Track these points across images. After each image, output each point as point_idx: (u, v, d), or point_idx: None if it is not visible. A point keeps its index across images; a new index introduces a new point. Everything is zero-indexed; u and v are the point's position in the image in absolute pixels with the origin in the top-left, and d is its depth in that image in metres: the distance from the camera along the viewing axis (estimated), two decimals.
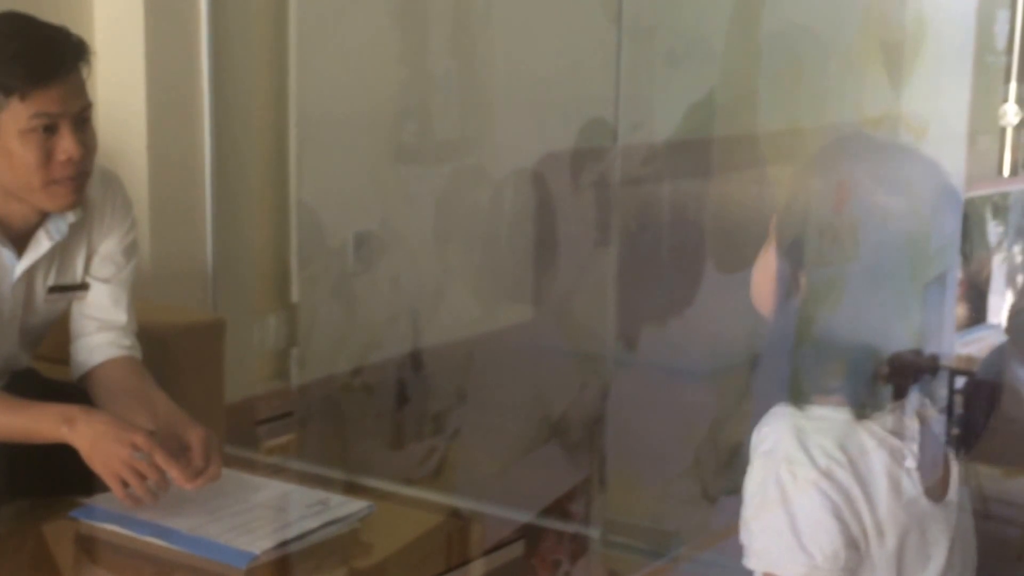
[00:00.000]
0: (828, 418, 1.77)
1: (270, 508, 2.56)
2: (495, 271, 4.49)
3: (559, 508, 3.65)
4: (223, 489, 2.57)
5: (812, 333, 1.81)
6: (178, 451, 2.50)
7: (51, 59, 2.51)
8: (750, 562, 1.80)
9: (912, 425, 1.81)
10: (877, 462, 1.76)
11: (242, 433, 3.78)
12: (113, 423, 2.47)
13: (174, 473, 2.44)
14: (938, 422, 1.88)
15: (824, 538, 1.73)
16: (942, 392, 1.93)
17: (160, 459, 2.42)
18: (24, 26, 2.56)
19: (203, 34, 3.90)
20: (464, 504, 3.04)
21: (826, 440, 1.75)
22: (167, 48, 3.84)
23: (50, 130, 2.51)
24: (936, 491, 1.83)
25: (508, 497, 3.21)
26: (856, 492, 1.74)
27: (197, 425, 2.57)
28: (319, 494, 2.62)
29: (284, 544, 2.40)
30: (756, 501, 1.78)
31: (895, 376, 1.80)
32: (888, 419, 1.79)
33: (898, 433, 1.79)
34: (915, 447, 1.79)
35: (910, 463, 1.78)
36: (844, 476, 1.73)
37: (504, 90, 4.45)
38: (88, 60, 2.59)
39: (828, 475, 1.73)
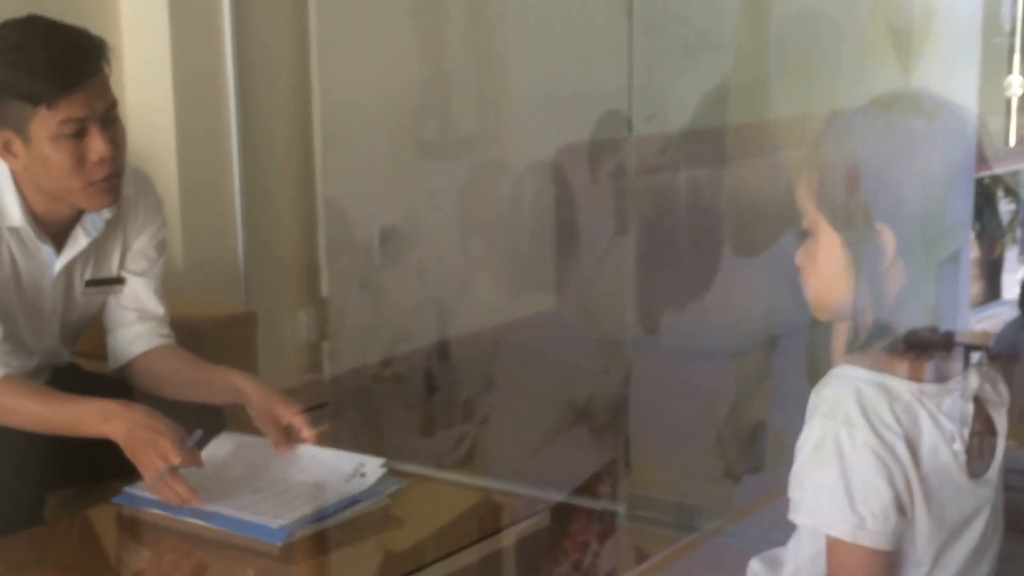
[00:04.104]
0: (888, 388, 1.79)
1: (305, 485, 2.61)
2: (517, 261, 4.50)
3: (587, 490, 3.67)
4: (260, 466, 2.67)
5: (887, 310, 1.81)
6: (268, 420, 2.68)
7: (74, 66, 2.56)
8: (798, 517, 1.83)
9: (967, 409, 1.83)
10: (927, 439, 1.78)
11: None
12: (149, 416, 2.53)
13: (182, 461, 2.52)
14: (998, 407, 1.89)
15: (875, 501, 1.75)
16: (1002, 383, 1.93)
17: (177, 458, 2.49)
18: (45, 33, 2.59)
19: (227, 35, 3.96)
20: (495, 486, 3.07)
21: (884, 409, 1.77)
22: (192, 50, 3.90)
23: (80, 133, 2.57)
24: (978, 470, 1.85)
25: (537, 480, 3.23)
26: (908, 463, 1.76)
27: (287, 403, 2.74)
28: (357, 457, 2.68)
29: (318, 520, 2.47)
30: (812, 460, 1.80)
31: (912, 351, 1.81)
32: (945, 400, 1.81)
33: (952, 415, 1.80)
34: (966, 432, 1.81)
35: (957, 446, 1.80)
36: (900, 445, 1.76)
37: (520, 85, 4.47)
38: (109, 60, 2.63)
39: (885, 442, 1.75)
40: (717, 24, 4.24)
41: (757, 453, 3.81)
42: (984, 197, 4.05)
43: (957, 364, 1.84)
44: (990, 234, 4.14)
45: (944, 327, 1.85)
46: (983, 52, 4.07)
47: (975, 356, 1.86)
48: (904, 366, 1.81)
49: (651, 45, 4.14)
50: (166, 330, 2.91)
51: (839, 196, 1.80)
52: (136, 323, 2.88)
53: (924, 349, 1.82)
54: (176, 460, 2.48)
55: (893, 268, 1.78)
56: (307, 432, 2.71)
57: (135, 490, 2.58)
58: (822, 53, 4.13)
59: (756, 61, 4.18)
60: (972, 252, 3.89)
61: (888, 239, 1.76)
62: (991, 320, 3.86)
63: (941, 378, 1.82)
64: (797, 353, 1.97)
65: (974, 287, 4.04)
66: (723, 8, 4.26)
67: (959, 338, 1.89)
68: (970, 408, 1.83)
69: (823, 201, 1.82)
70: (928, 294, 1.84)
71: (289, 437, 2.74)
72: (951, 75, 3.90)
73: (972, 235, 3.77)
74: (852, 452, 1.76)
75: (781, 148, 3.96)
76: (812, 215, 1.84)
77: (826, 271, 1.84)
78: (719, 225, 4.18)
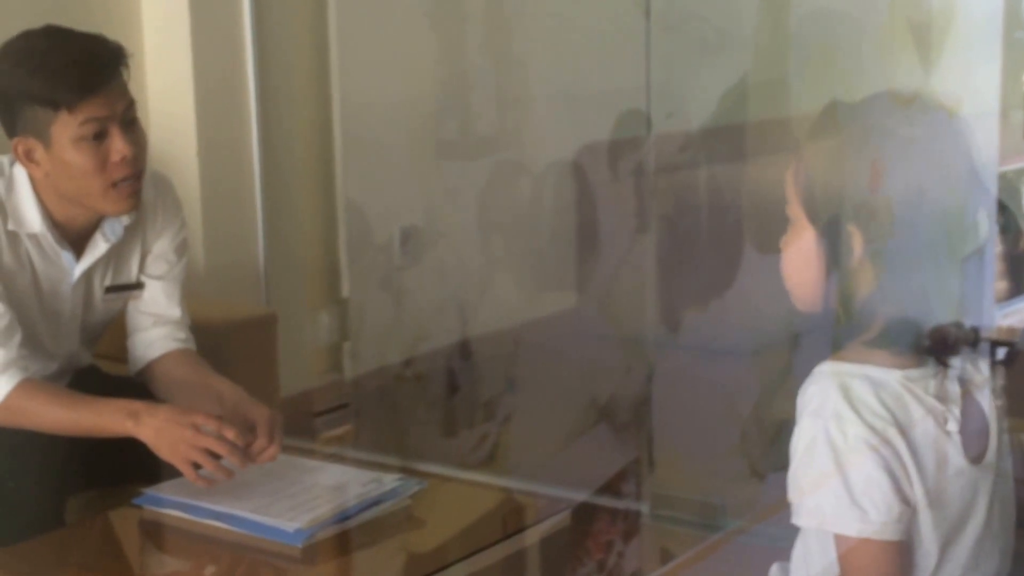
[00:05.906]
0: (873, 378, 1.79)
1: (325, 488, 2.61)
2: (538, 260, 4.50)
3: (610, 489, 3.67)
4: (280, 472, 2.65)
5: (856, 308, 1.82)
6: (245, 431, 2.58)
7: (93, 69, 2.59)
8: (800, 520, 1.83)
9: (954, 389, 1.83)
10: (920, 423, 1.78)
11: (300, 425, 3.81)
12: (173, 411, 2.55)
13: (238, 443, 2.51)
14: (982, 388, 1.88)
15: (877, 494, 1.75)
16: (983, 363, 1.92)
17: (228, 432, 2.50)
18: (63, 40, 2.63)
19: (247, 39, 3.97)
20: (517, 486, 3.07)
21: (871, 399, 1.77)
22: (214, 55, 3.91)
23: (100, 136, 2.59)
24: (975, 453, 1.85)
25: (560, 479, 3.23)
26: (903, 449, 1.76)
27: (261, 405, 2.65)
28: (372, 474, 2.68)
29: (339, 521, 2.48)
30: (806, 460, 1.79)
31: (937, 348, 1.82)
32: (931, 383, 1.81)
33: (941, 397, 1.81)
34: (957, 411, 1.81)
35: (952, 426, 1.81)
36: (892, 433, 1.76)
37: (539, 85, 4.47)
38: (127, 63, 2.66)
39: (877, 432, 1.75)
40: (735, 21, 4.23)
41: (781, 451, 3.80)
42: (1008, 191, 4.02)
43: (939, 355, 1.84)
44: (1015, 229, 4.11)
45: (969, 322, 1.85)
46: (1004, 47, 4.05)
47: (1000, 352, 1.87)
48: (884, 355, 1.82)
49: (669, 43, 4.13)
50: (183, 334, 2.91)
51: (818, 191, 1.84)
52: (152, 327, 2.90)
53: (948, 347, 1.83)
54: (213, 426, 2.49)
55: (861, 268, 1.79)
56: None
57: (156, 492, 2.60)
58: (842, 49, 4.10)
59: (775, 58, 4.17)
60: (997, 247, 3.86)
61: (856, 241, 1.78)
62: (1018, 316, 3.84)
63: (922, 362, 1.83)
64: (819, 350, 1.95)
65: (999, 283, 4.01)
66: (741, 5, 4.24)
67: (983, 334, 1.89)
68: (958, 389, 1.83)
69: (803, 194, 1.85)
70: (952, 290, 1.85)
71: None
72: (972, 70, 3.89)
73: (997, 230, 3.75)
74: (845, 446, 1.76)
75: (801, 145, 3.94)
76: (793, 204, 1.87)
77: (798, 261, 1.87)
78: (740, 222, 4.17)
